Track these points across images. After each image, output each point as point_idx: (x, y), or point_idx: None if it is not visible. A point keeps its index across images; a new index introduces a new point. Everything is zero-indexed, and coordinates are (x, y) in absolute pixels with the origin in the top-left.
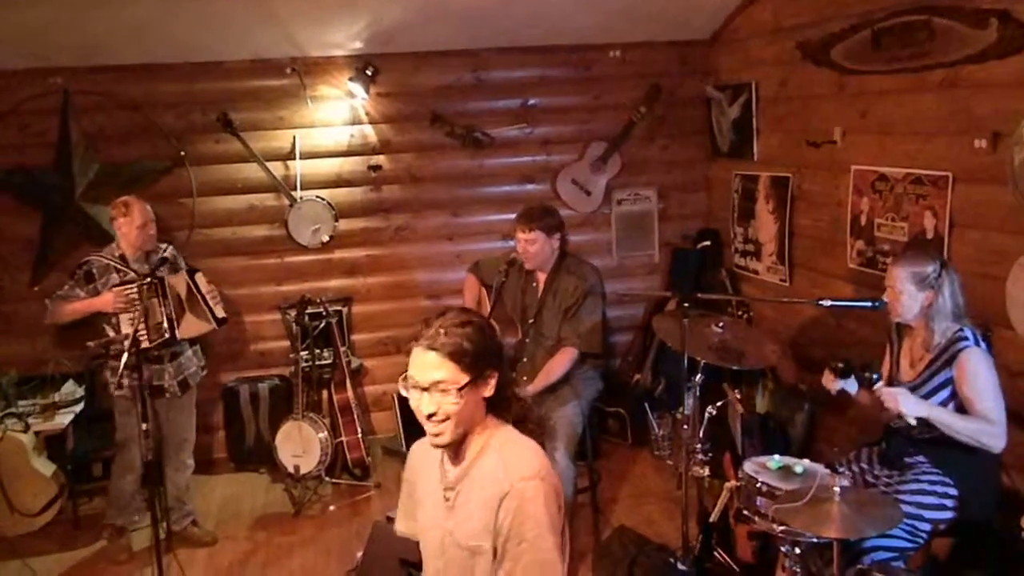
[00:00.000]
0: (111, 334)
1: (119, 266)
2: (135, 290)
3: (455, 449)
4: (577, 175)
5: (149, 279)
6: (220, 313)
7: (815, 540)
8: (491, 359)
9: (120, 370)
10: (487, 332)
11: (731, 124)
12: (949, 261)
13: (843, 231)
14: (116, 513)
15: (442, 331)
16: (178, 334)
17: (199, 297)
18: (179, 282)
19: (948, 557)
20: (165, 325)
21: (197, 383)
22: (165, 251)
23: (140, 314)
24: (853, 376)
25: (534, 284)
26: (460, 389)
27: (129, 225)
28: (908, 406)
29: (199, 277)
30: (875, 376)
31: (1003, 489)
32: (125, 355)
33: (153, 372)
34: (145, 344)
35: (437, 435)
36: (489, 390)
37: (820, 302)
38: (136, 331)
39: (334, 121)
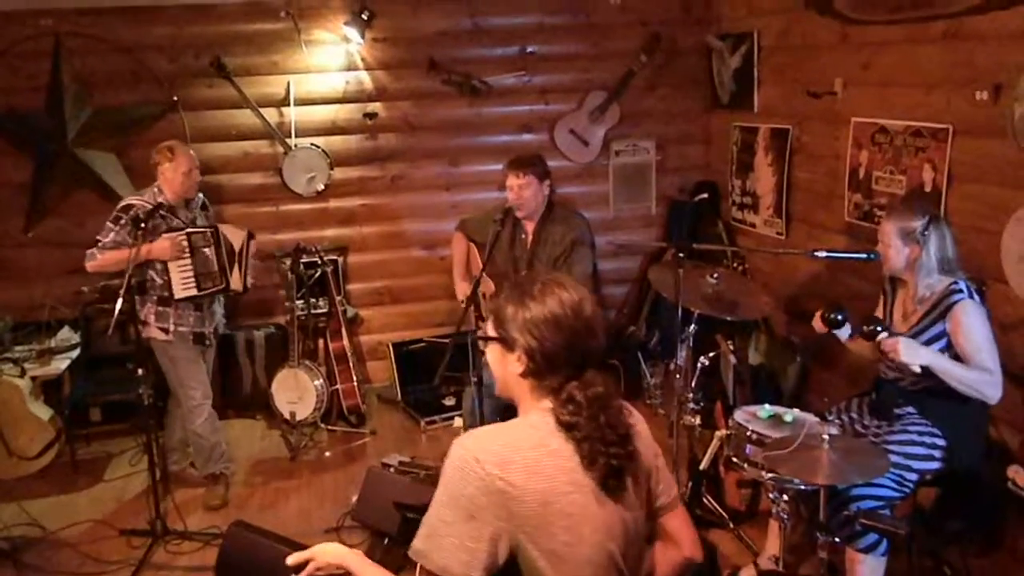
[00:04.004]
0: (157, 280)
1: (164, 213)
2: (186, 238)
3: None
4: (575, 125)
5: (207, 229)
6: (249, 282)
7: (803, 488)
8: (519, 337)
9: (172, 314)
10: (540, 320)
11: (732, 74)
12: (944, 215)
13: (841, 184)
14: (179, 458)
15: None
16: (230, 283)
17: (245, 258)
18: (236, 237)
19: (933, 506)
20: (219, 274)
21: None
22: (202, 197)
23: (190, 262)
24: (848, 324)
25: (523, 236)
26: (487, 340)
27: (174, 171)
28: (910, 355)
29: (253, 243)
30: (878, 328)
31: (990, 441)
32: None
33: (197, 319)
34: (194, 292)
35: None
36: (517, 366)
37: (815, 253)
38: (186, 278)
39: (329, 67)
